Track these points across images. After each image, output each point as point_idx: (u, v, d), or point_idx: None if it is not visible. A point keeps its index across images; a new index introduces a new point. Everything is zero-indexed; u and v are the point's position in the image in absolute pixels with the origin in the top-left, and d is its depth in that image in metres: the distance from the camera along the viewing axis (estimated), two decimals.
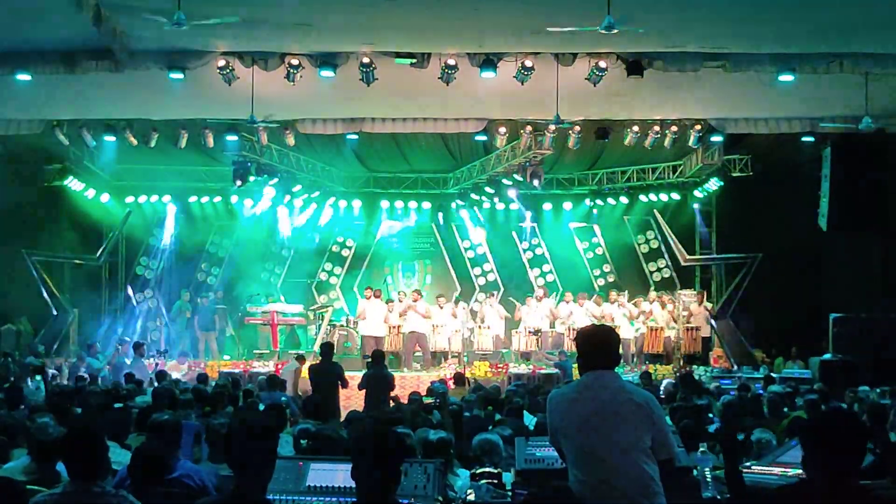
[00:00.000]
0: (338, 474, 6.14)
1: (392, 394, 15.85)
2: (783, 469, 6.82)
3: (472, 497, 6.75)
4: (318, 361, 17.22)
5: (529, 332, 23.13)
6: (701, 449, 7.06)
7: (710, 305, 23.91)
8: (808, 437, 4.63)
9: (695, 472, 6.92)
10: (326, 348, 16.85)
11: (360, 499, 4.90)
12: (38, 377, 17.57)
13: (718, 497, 6.69)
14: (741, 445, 8.46)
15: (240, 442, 4.98)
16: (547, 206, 27.15)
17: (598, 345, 6.06)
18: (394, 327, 22.85)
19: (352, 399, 16.85)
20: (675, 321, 23.70)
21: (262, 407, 12.52)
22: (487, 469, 7.29)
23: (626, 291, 24.96)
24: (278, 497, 5.98)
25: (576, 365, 19.56)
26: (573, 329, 21.88)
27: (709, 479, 6.74)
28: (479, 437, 8.36)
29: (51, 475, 6.91)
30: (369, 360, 17.48)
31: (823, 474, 4.48)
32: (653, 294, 24.49)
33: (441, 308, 23.38)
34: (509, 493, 6.98)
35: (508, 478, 7.38)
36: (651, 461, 5.71)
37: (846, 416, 4.84)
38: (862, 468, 4.65)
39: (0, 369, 18.56)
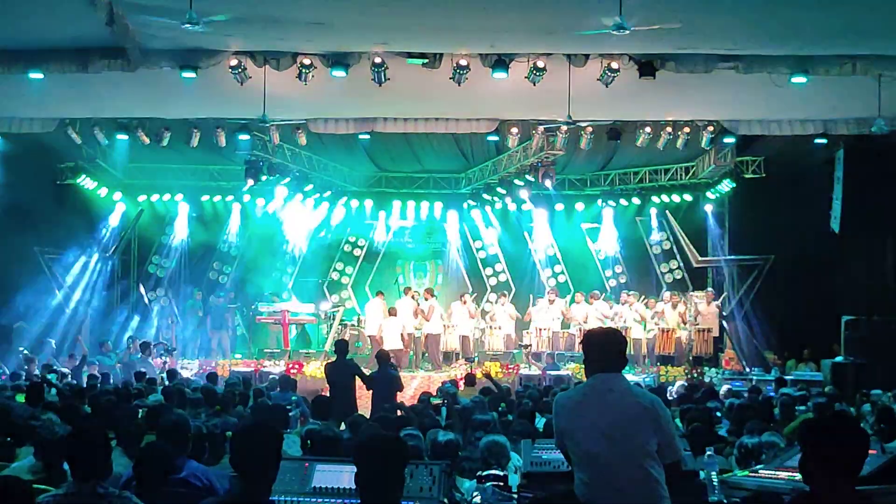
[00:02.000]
0: (343, 475, 6.11)
1: (399, 395, 15.90)
2: (790, 473, 6.79)
3: (477, 499, 6.74)
4: (332, 360, 17.18)
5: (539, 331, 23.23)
6: (708, 452, 7.03)
7: (718, 304, 23.83)
8: (808, 441, 4.60)
9: (701, 475, 6.90)
10: (341, 346, 16.72)
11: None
12: (51, 376, 17.61)
13: (725, 501, 6.67)
14: (751, 450, 8.43)
15: (242, 444, 4.98)
16: (559, 206, 27.11)
17: (604, 347, 6.06)
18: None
19: (361, 399, 16.79)
20: (685, 322, 23.58)
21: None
22: (494, 471, 7.29)
23: (637, 292, 24.89)
24: (284, 498, 5.96)
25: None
26: (582, 330, 21.88)
27: (715, 483, 6.72)
28: (487, 439, 8.34)
29: (57, 475, 6.92)
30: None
31: (821, 478, 4.45)
32: (666, 294, 24.42)
33: (464, 304, 23.45)
34: (515, 496, 6.97)
35: (514, 480, 7.37)
36: (657, 464, 5.71)
37: (847, 421, 4.81)
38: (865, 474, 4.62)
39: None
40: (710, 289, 24.85)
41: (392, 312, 23.01)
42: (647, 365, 22.91)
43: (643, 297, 24.55)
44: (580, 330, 22.65)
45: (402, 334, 22.65)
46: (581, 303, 24.13)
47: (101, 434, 5.99)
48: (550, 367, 21.07)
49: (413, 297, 23.53)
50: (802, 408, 12.93)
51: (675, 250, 26.59)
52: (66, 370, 19.71)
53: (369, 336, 23.13)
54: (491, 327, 23.54)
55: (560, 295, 24.96)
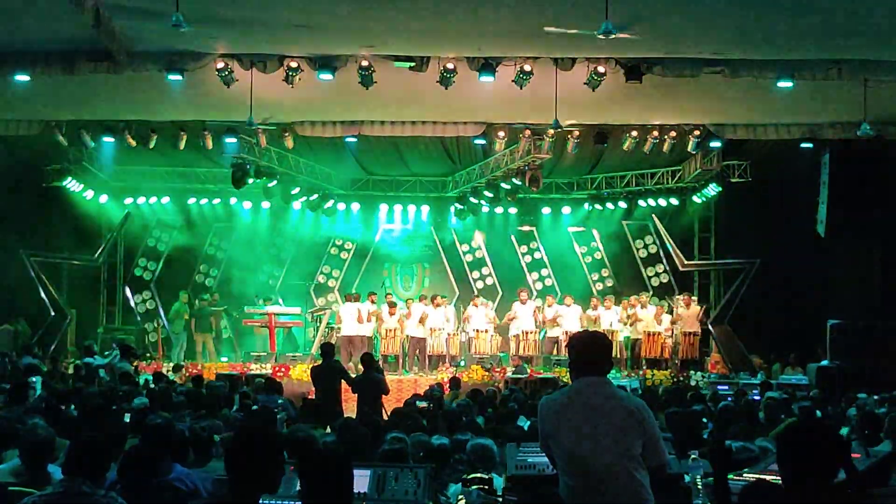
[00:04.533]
0: None
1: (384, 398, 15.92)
2: (775, 477, 6.79)
3: (462, 503, 6.73)
4: (318, 363, 17.17)
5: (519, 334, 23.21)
6: (692, 456, 7.03)
7: (698, 308, 23.80)
8: (781, 447, 4.65)
9: (686, 478, 6.91)
10: (327, 349, 16.73)
11: None
12: (35, 378, 17.51)
13: None
14: (733, 453, 8.43)
15: (238, 447, 4.97)
16: (546, 210, 27.15)
17: (590, 351, 6.06)
18: (390, 330, 22.91)
19: (347, 402, 16.78)
20: (660, 322, 23.47)
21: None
22: (479, 474, 7.28)
23: (614, 295, 24.88)
24: (268, 501, 5.95)
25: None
26: (568, 333, 21.83)
27: (699, 487, 6.73)
28: (473, 442, 8.34)
29: (41, 477, 6.89)
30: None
31: (795, 482, 4.50)
32: (633, 298, 24.31)
33: (436, 307, 23.39)
34: (500, 499, 6.97)
35: (500, 483, 7.37)
36: (642, 468, 5.71)
37: (820, 429, 4.84)
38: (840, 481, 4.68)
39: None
40: (687, 293, 24.80)
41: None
42: (630, 368, 22.92)
43: (619, 300, 24.51)
44: (566, 333, 22.60)
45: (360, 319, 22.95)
46: (553, 305, 23.97)
47: (106, 442, 6.00)
48: (520, 371, 21.10)
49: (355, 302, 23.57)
50: (793, 411, 12.96)
51: (662, 254, 26.65)
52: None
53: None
54: (477, 330, 23.48)
55: (531, 296, 24.91)
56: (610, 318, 23.39)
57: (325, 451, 6.12)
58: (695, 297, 24.71)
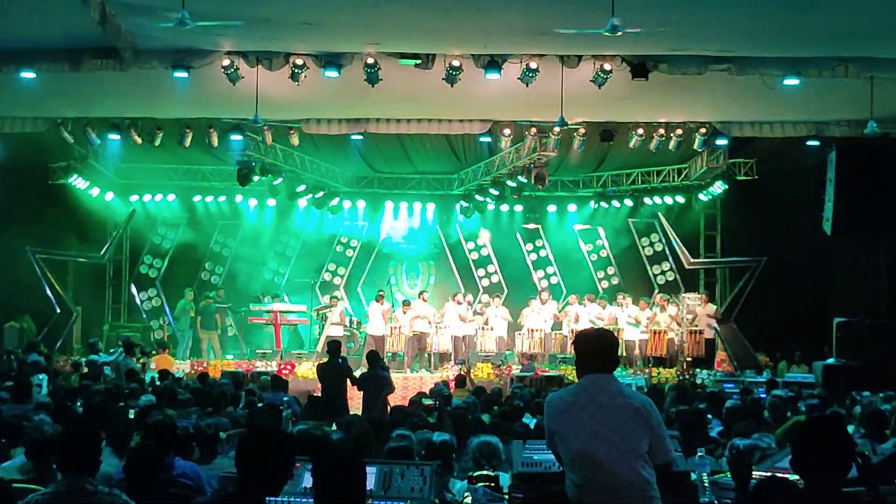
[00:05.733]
0: None
1: (389, 396, 15.93)
2: (781, 474, 6.78)
3: (468, 500, 6.73)
4: (324, 361, 17.17)
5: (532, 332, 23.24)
6: (699, 453, 7.03)
7: (714, 308, 23.83)
8: (796, 442, 4.67)
9: (692, 476, 6.90)
10: (334, 346, 16.73)
11: None
12: (41, 375, 17.54)
13: (716, 502, 6.67)
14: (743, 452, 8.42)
15: (249, 446, 4.97)
16: (551, 207, 27.12)
17: (596, 348, 6.05)
18: (395, 328, 22.95)
19: (353, 400, 16.78)
20: (679, 324, 23.59)
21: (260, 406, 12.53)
22: (485, 472, 7.27)
23: (631, 294, 24.87)
24: (274, 498, 5.95)
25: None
26: (574, 331, 21.84)
27: (706, 484, 6.72)
28: (479, 440, 8.33)
29: (47, 474, 6.89)
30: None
31: (810, 478, 4.52)
32: (657, 297, 24.42)
33: (459, 304, 23.49)
34: (506, 497, 6.96)
35: (506, 480, 7.36)
36: (648, 465, 5.71)
37: (833, 424, 4.85)
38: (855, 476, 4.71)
39: (2, 366, 18.61)
40: (705, 291, 24.86)
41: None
42: (639, 366, 22.90)
43: (639, 300, 24.52)
44: (572, 331, 22.62)
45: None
46: (574, 304, 24.16)
47: (92, 430, 5.98)
48: (527, 369, 21.12)
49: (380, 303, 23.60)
50: (800, 409, 12.95)
51: (668, 252, 26.61)
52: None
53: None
54: (483, 328, 23.50)
55: (553, 296, 25.01)
56: (622, 318, 23.43)
57: (339, 450, 6.10)
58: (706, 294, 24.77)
